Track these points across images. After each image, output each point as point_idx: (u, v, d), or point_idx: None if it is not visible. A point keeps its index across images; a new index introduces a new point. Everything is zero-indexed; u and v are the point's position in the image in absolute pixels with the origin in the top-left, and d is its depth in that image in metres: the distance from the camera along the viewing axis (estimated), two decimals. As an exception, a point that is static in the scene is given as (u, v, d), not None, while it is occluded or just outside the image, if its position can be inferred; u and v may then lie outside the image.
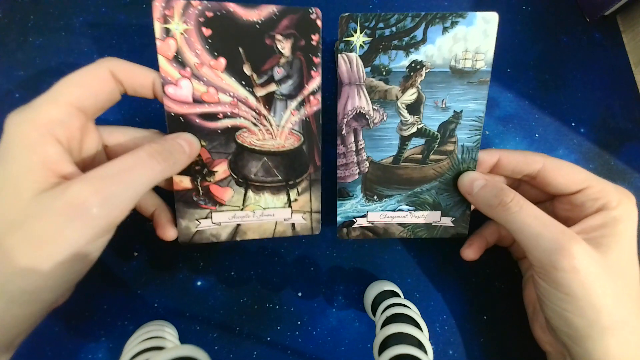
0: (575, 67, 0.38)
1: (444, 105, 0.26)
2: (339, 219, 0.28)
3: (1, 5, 0.32)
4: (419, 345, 0.22)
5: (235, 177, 0.26)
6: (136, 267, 0.29)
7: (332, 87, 0.35)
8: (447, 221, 0.28)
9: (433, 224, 0.28)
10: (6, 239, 0.18)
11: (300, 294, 0.30)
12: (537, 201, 0.28)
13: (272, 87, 0.25)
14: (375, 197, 0.28)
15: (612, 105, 0.38)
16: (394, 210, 0.28)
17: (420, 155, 0.27)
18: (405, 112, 0.26)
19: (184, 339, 0.28)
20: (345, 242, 0.32)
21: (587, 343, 0.23)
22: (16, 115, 0.19)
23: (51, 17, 0.32)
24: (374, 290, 0.29)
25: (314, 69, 0.25)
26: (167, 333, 0.26)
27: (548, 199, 0.28)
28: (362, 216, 0.28)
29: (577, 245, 0.22)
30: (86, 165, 0.22)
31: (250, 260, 0.30)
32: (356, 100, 0.26)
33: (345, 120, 0.26)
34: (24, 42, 0.32)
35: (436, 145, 0.27)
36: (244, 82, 0.24)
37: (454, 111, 0.26)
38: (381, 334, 0.23)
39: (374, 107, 0.26)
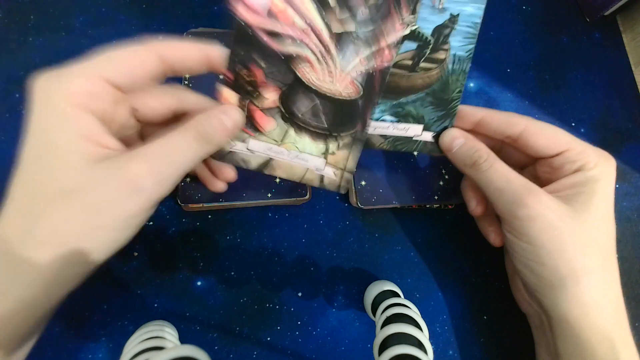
0: (575, 67, 0.38)
1: (441, 6, 0.24)
2: None
3: (1, 5, 0.32)
4: (419, 345, 0.22)
5: (283, 110, 0.25)
6: (136, 267, 0.29)
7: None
8: (427, 136, 0.28)
9: (414, 138, 0.28)
10: (61, 205, 0.19)
11: (300, 294, 0.30)
12: (521, 165, 0.29)
13: (351, 27, 0.23)
14: None
15: (612, 105, 0.38)
16: (377, 120, 0.27)
17: (410, 62, 0.26)
18: None
19: (184, 339, 0.28)
20: (346, 242, 0.32)
21: (552, 292, 0.23)
22: (45, 83, 0.19)
23: (51, 17, 0.32)
24: (374, 290, 0.29)
25: (401, 21, 0.23)
26: (167, 333, 0.26)
27: (531, 163, 0.29)
28: None
29: (535, 196, 0.24)
30: (118, 133, 0.22)
31: (250, 260, 0.30)
32: None
33: None
34: (24, 42, 0.32)
35: (428, 52, 0.25)
36: (324, 13, 0.23)
37: (451, 14, 0.25)
38: (381, 334, 0.23)
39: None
